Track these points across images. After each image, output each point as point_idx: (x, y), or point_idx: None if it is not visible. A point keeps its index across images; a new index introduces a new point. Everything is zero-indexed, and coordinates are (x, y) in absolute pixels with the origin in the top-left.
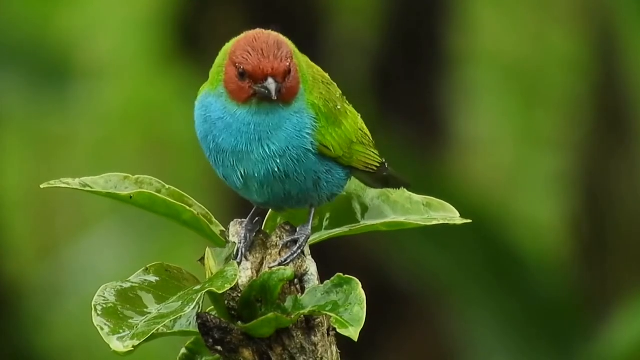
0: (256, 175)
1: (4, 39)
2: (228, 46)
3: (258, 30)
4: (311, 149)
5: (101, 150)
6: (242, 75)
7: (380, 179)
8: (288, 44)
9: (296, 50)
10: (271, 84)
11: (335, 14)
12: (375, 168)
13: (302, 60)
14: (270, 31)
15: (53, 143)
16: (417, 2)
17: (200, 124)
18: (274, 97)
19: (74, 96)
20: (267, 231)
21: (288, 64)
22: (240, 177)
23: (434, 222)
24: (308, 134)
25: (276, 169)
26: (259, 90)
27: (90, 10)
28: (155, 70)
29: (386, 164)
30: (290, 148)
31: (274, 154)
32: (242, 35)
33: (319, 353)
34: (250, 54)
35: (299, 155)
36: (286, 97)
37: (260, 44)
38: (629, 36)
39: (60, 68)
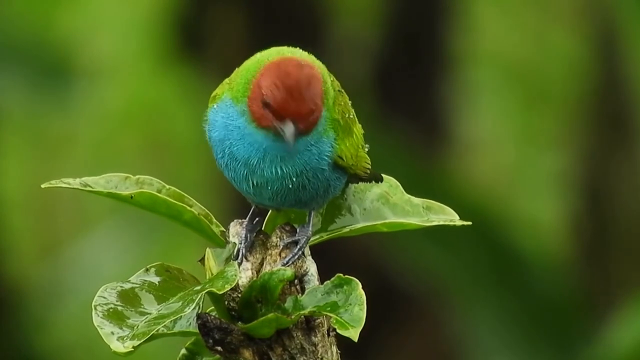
0: (269, 188)
1: (5, 38)
2: (261, 62)
3: (294, 60)
4: (328, 164)
5: (102, 150)
6: (266, 105)
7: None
8: (320, 74)
9: (323, 69)
10: (289, 128)
11: (336, 14)
12: (368, 172)
13: (328, 79)
14: (306, 62)
15: (54, 143)
16: (418, 3)
17: (220, 127)
18: (291, 143)
19: (75, 96)
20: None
21: (313, 106)
22: (251, 185)
23: (434, 223)
24: (327, 156)
25: (290, 186)
26: (275, 129)
27: (92, 10)
28: (156, 70)
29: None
30: (307, 169)
31: (288, 175)
32: (277, 59)
33: (319, 353)
34: (277, 90)
35: (315, 173)
36: (305, 132)
37: (291, 81)
38: (630, 36)
39: (62, 68)
